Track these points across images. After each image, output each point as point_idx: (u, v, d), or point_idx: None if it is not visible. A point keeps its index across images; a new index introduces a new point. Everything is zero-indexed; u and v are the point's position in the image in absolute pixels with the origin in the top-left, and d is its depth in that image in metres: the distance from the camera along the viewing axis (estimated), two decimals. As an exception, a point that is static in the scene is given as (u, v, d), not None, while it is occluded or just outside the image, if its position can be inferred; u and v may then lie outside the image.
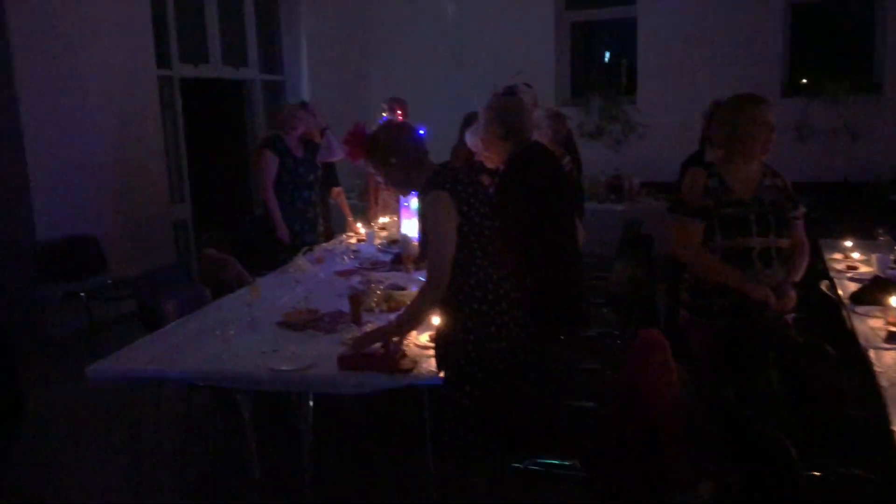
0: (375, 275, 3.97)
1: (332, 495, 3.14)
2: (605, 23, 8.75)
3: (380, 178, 2.72)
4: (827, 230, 4.70)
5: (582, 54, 8.88)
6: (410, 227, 4.31)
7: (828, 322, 3.24)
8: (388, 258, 4.49)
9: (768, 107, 2.70)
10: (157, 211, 6.24)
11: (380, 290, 3.19)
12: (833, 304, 3.33)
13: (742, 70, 7.59)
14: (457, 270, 2.47)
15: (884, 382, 2.34)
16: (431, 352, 2.73)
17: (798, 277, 2.78)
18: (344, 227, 5.80)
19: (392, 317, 3.14)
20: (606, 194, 7.13)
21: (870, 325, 2.93)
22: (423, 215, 2.53)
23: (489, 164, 3.45)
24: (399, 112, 4.31)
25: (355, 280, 3.90)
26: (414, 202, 4.26)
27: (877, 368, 2.47)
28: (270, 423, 3.23)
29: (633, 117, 8.12)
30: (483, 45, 8.46)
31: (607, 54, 9.04)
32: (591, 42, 9.03)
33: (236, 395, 3.12)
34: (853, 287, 3.47)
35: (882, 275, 3.53)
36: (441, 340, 2.52)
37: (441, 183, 2.46)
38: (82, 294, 5.19)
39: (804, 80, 7.70)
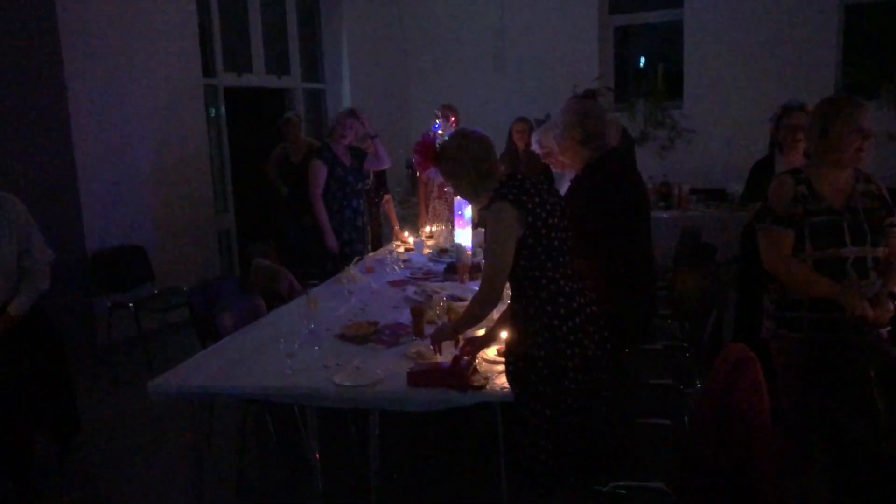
0: (430, 285, 3.89)
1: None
2: (640, 28, 8.57)
3: (449, 188, 2.65)
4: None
5: (616, 60, 8.72)
6: (464, 236, 4.21)
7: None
8: (440, 268, 4.40)
9: (864, 111, 2.55)
10: (202, 221, 6.22)
11: (442, 301, 3.09)
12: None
13: (793, 73, 7.39)
14: (526, 283, 2.38)
15: None
16: (500, 367, 2.63)
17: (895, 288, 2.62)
18: (390, 236, 5.73)
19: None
20: (655, 201, 6.96)
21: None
22: (486, 226, 2.47)
23: (557, 169, 3.34)
24: (452, 119, 4.23)
25: (410, 290, 3.82)
26: (468, 211, 4.18)
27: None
28: (329, 436, 3.13)
29: (679, 123, 7.96)
30: (525, 50, 8.38)
31: (642, 59, 8.87)
32: (625, 47, 8.86)
33: (294, 408, 3.06)
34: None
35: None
36: (511, 357, 2.42)
37: (505, 194, 2.38)
38: (131, 304, 5.17)
39: (859, 83, 7.44)
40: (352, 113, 5.16)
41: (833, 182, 2.62)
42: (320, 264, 5.01)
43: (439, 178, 5.21)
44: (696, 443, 2.32)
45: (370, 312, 3.51)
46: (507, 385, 2.45)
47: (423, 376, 2.50)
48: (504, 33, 8.45)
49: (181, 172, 5.99)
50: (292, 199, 6.33)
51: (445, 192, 5.73)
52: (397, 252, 4.98)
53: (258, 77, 7.12)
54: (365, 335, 3.07)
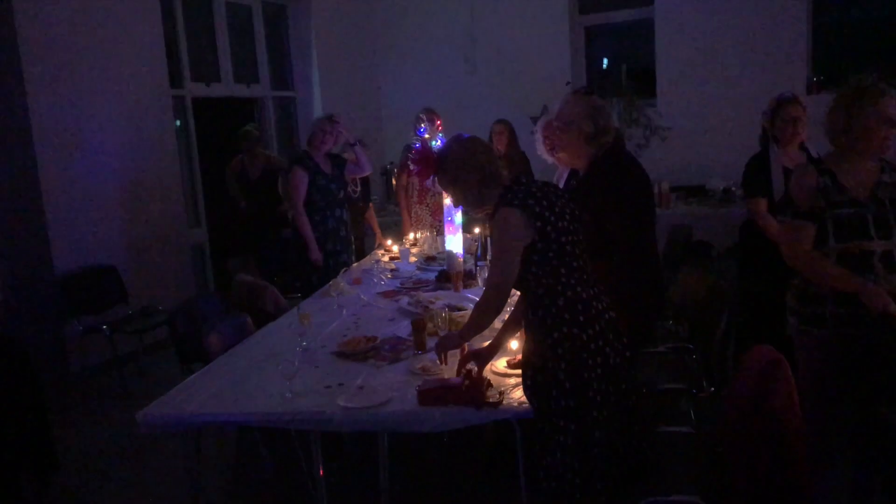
0: (423, 295, 3.74)
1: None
2: (602, 28, 8.49)
3: (450, 198, 2.53)
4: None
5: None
6: (455, 242, 4.08)
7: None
8: (429, 276, 4.27)
9: (890, 99, 2.47)
10: (174, 237, 5.99)
11: (444, 312, 2.95)
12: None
13: (766, 67, 7.41)
14: (541, 292, 2.26)
15: None
16: (512, 379, 2.51)
17: None
18: (372, 245, 5.58)
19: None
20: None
21: None
22: (492, 233, 2.35)
23: (561, 165, 3.23)
24: (438, 122, 4.10)
25: (404, 301, 3.67)
26: (458, 217, 4.05)
27: None
28: (326, 455, 2.96)
29: (654, 120, 7.92)
30: (496, 52, 8.29)
31: (605, 60, 8.82)
32: (589, 48, 8.79)
33: (291, 431, 2.88)
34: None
35: None
36: (529, 370, 2.29)
37: (511, 199, 2.26)
38: (105, 327, 4.93)
39: (828, 76, 7.48)
40: (330, 119, 4.99)
41: (857, 173, 2.54)
42: (304, 277, 4.84)
43: (427, 184, 5.10)
44: (729, 451, 2.21)
45: (365, 326, 3.36)
46: (523, 399, 2.32)
47: (435, 394, 2.35)
48: (475, 35, 8.35)
49: (151, 186, 5.76)
50: (252, 214, 6.23)
51: (428, 197, 5.61)
52: (383, 261, 4.83)
53: (227, 86, 6.91)
54: (364, 351, 2.92)
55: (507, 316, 2.61)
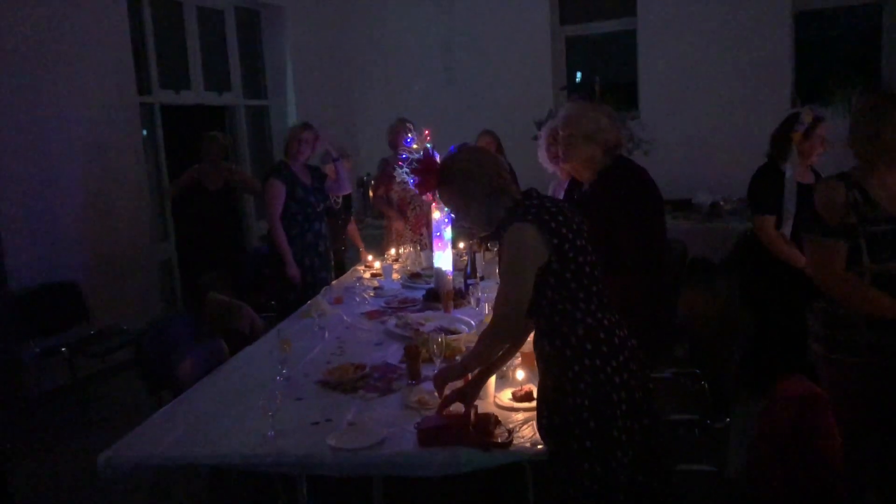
0: (412, 316, 3.49)
1: None
2: (575, 40, 8.33)
3: (454, 214, 2.29)
4: None
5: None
6: (444, 259, 3.84)
7: None
8: (416, 295, 4.02)
9: None
10: (140, 251, 5.67)
11: (440, 337, 2.70)
12: None
13: (750, 80, 7.33)
14: (558, 319, 2.03)
15: None
16: (521, 414, 2.27)
17: None
18: (354, 261, 5.31)
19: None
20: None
21: None
22: (502, 252, 2.13)
23: (563, 175, 3.02)
24: (426, 132, 3.88)
25: (391, 324, 3.42)
26: (448, 232, 3.82)
27: None
28: (315, 501, 2.69)
29: (637, 133, 7.78)
30: (476, 62, 8.10)
31: (579, 74, 8.68)
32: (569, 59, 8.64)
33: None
34: None
35: None
36: (545, 408, 2.06)
37: (524, 214, 2.04)
38: (64, 349, 4.59)
39: (813, 90, 7.42)
40: (306, 126, 4.74)
41: (888, 187, 2.37)
42: (280, 295, 4.56)
43: (424, 197, 4.86)
44: (764, 494, 2.01)
45: (350, 352, 3.10)
46: (535, 437, 2.09)
47: (437, 434, 2.11)
48: (454, 45, 8.16)
49: (116, 198, 5.44)
50: (207, 229, 5.61)
51: (409, 210, 5.37)
52: (365, 278, 4.57)
53: (197, 94, 6.61)
54: (352, 381, 2.66)
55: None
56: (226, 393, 2.66)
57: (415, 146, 3.85)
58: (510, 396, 2.40)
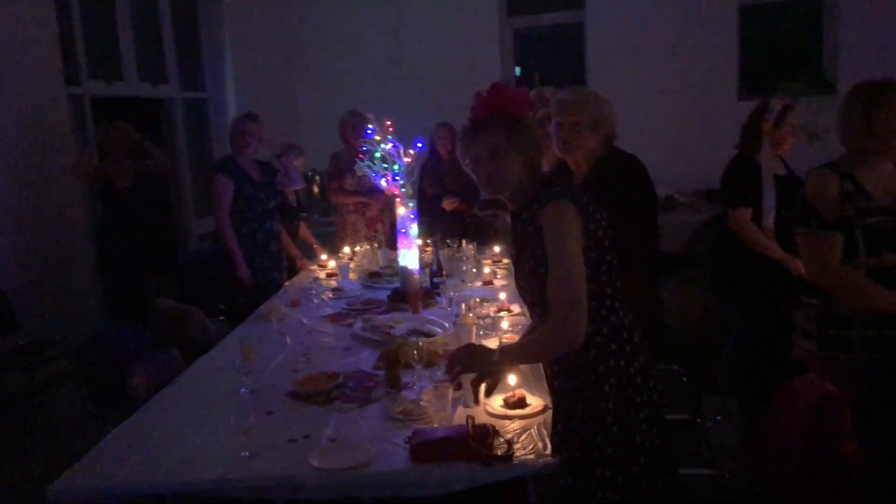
0: (379, 318, 3.29)
1: None
2: (527, 33, 8.26)
3: (483, 169, 1.96)
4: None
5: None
6: (410, 257, 3.65)
7: None
8: (379, 295, 3.81)
9: None
10: (74, 254, 5.27)
11: (421, 342, 2.52)
12: None
13: (697, 74, 7.38)
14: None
15: None
16: (516, 423, 2.10)
17: None
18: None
19: (436, 373, 2.52)
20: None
21: None
22: (547, 231, 1.86)
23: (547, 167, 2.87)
24: (388, 123, 3.68)
25: (357, 327, 3.21)
26: (414, 228, 3.63)
27: None
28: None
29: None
30: (424, 53, 7.92)
31: (518, 69, 8.61)
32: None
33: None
34: None
35: None
36: (563, 413, 1.91)
37: (564, 193, 1.86)
38: (-10, 361, 4.21)
39: (757, 82, 7.51)
40: (251, 117, 4.44)
41: (879, 177, 2.30)
42: (229, 298, 4.28)
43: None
44: (777, 499, 1.90)
45: (318, 359, 2.88)
46: (537, 447, 1.93)
47: (432, 448, 1.92)
48: (401, 36, 7.96)
49: (45, 196, 5.03)
50: (126, 234, 4.92)
51: (364, 204, 5.16)
52: (321, 279, 4.33)
53: (130, 85, 6.21)
54: (326, 392, 2.45)
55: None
56: (186, 409, 2.41)
57: (377, 137, 3.66)
58: (501, 403, 2.23)
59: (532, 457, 1.90)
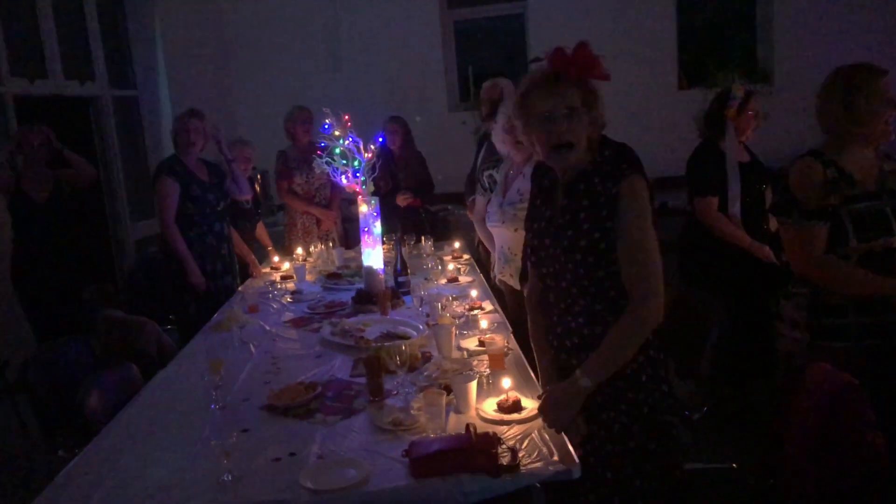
0: (347, 322, 3.14)
1: None
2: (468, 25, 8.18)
3: (557, 126, 1.83)
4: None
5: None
6: (375, 257, 3.51)
7: None
8: (340, 297, 3.66)
9: (888, 80, 2.24)
10: None
11: (404, 346, 2.39)
12: None
13: (637, 65, 7.41)
14: (622, 304, 1.82)
15: None
16: (515, 429, 2.00)
17: None
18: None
19: (419, 378, 2.40)
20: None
21: None
22: (626, 207, 1.79)
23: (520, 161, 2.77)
24: (346, 117, 3.52)
25: (326, 332, 3.05)
26: (377, 227, 3.49)
27: None
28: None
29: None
30: (363, 49, 7.72)
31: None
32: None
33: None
34: None
35: None
36: (595, 407, 1.86)
37: (637, 167, 1.83)
38: None
39: (696, 73, 7.62)
40: (194, 113, 4.18)
41: (860, 162, 2.29)
42: (180, 307, 4.04)
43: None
44: (796, 494, 1.86)
45: (288, 368, 2.72)
46: (543, 452, 1.83)
47: (434, 461, 1.80)
48: (339, 29, 7.74)
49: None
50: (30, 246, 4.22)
51: (313, 203, 4.98)
52: (277, 282, 4.14)
53: (55, 83, 5.83)
54: (306, 404, 2.29)
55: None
56: (153, 430, 2.22)
57: (336, 133, 3.50)
58: (495, 408, 2.13)
59: (540, 464, 1.81)
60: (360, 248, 3.64)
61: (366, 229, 3.48)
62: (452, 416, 2.10)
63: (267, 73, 7.77)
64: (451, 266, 4.01)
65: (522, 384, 2.31)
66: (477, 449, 1.79)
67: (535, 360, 2.61)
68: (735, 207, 3.33)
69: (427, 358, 2.62)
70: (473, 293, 3.34)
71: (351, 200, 5.42)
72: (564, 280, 1.89)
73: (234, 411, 2.32)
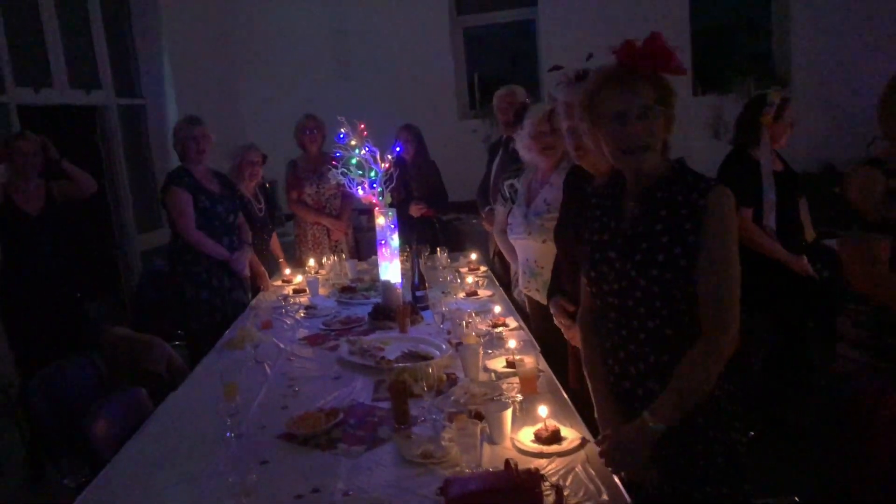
0: (365, 339, 3.00)
1: None
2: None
3: (629, 128, 1.65)
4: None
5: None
6: (392, 271, 3.37)
7: None
8: (356, 312, 3.52)
9: None
10: None
11: (431, 369, 2.24)
12: None
13: (651, 70, 7.28)
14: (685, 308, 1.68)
15: None
16: (555, 462, 1.85)
17: None
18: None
19: (446, 402, 2.25)
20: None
21: None
22: (714, 221, 1.63)
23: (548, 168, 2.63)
24: (362, 125, 3.39)
25: (344, 351, 2.91)
26: (395, 239, 3.36)
27: None
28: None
29: (542, 126, 7.57)
30: (371, 53, 7.61)
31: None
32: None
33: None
34: None
35: None
36: (688, 432, 1.71)
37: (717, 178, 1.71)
38: None
39: (711, 79, 7.48)
40: (194, 121, 3.99)
41: None
42: (188, 323, 3.89)
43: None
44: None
45: (306, 391, 2.57)
46: (590, 489, 1.69)
47: (472, 501, 1.65)
48: (347, 36, 7.63)
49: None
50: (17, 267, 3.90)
51: (324, 214, 4.84)
52: (290, 296, 4.00)
53: (61, 93, 5.71)
54: (327, 432, 2.15)
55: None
56: (164, 461, 2.07)
57: (352, 142, 3.36)
58: (532, 438, 1.98)
59: (581, 498, 1.66)
60: (372, 260, 3.50)
61: (382, 242, 3.34)
62: (486, 448, 1.96)
63: (275, 81, 7.66)
64: (469, 279, 3.86)
65: (558, 411, 2.16)
66: (520, 488, 1.64)
67: (567, 383, 2.48)
68: (770, 218, 3.18)
69: (453, 380, 2.48)
70: (497, 309, 3.19)
71: (361, 210, 5.32)
72: (631, 298, 1.70)
73: (251, 440, 2.18)
